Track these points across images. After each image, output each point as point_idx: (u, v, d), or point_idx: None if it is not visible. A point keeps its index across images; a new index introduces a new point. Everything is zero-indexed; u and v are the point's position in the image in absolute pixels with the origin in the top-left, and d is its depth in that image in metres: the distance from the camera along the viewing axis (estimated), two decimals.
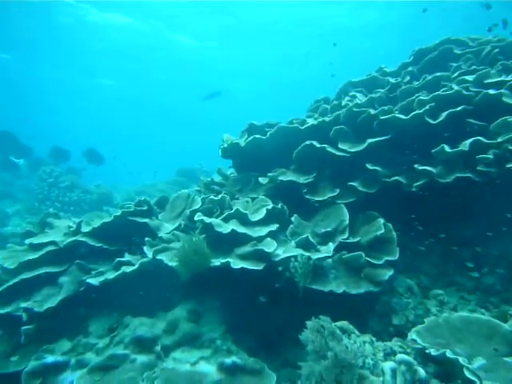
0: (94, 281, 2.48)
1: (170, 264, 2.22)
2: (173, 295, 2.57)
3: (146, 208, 2.93)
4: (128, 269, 2.41)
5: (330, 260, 2.32)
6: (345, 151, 2.61)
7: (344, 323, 1.86)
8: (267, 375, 2.04)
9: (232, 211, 2.44)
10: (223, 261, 2.13)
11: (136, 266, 2.41)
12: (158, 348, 2.21)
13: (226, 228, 2.31)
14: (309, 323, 1.68)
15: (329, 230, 2.46)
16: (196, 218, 2.46)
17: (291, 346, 2.22)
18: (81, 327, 2.64)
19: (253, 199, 2.82)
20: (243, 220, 2.43)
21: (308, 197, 2.69)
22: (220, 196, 2.70)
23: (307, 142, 2.75)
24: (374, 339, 1.82)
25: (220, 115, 32.01)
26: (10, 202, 10.43)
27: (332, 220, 2.55)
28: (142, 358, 2.17)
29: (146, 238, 2.70)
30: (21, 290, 2.81)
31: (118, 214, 2.76)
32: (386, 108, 2.71)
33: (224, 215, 2.44)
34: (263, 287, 2.30)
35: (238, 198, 3.09)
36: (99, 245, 2.75)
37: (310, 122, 2.96)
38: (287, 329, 2.26)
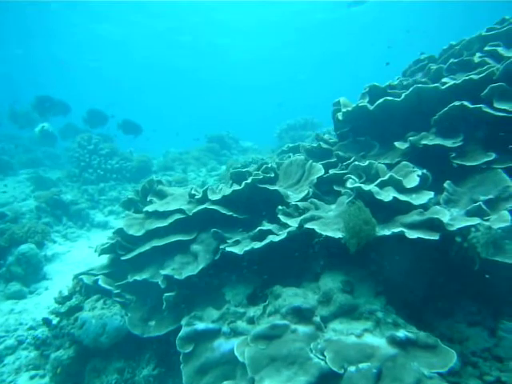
0: (236, 249, 2.41)
1: (331, 235, 2.10)
2: (314, 265, 2.48)
3: (273, 175, 2.81)
4: (275, 238, 2.31)
5: (499, 230, 2.13)
6: (505, 111, 2.36)
7: None
8: (444, 351, 1.93)
9: (386, 178, 2.28)
10: (395, 230, 1.99)
11: (284, 235, 2.31)
12: (318, 319, 2.14)
13: (387, 196, 2.15)
14: None
15: (491, 197, 2.26)
16: (350, 186, 2.31)
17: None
18: (217, 295, 2.62)
19: (389, 165, 2.65)
20: (398, 187, 2.27)
21: (457, 162, 2.48)
22: (367, 162, 2.52)
23: (456, 103, 2.50)
24: None
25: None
26: (44, 169, 10.66)
27: (490, 187, 2.34)
28: (303, 329, 2.11)
29: (280, 207, 2.60)
30: (151, 258, 2.80)
31: (248, 181, 2.66)
32: None
33: (377, 182, 2.28)
34: (430, 258, 2.16)
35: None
36: (230, 213, 2.67)
37: (449, 81, 2.70)
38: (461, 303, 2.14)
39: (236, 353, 2.08)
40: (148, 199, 3.45)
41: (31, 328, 3.69)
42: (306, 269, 2.50)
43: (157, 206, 2.95)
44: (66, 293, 2.94)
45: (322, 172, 2.87)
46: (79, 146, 9.24)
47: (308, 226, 2.28)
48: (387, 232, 2.02)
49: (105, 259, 3.19)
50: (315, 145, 3.50)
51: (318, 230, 2.22)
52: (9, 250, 5.15)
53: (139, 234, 2.86)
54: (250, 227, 2.69)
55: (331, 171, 2.93)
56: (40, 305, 4.19)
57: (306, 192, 2.72)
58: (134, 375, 2.49)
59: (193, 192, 2.90)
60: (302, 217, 2.33)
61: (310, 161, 3.05)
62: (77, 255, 5.65)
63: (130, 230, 2.92)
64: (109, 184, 8.81)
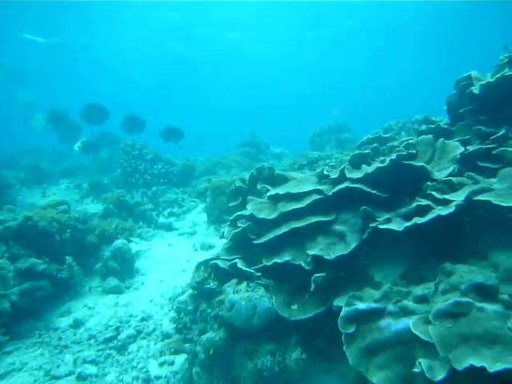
0: (393, 226, 2.30)
1: None
2: (479, 242, 2.33)
3: (415, 152, 2.69)
4: (443, 211, 2.18)
5: None
6: None
7: None
8: None
9: None
10: None
11: (452, 209, 2.18)
12: (505, 296, 1.99)
13: None
14: None
15: None
16: None
17: None
18: (364, 276, 2.51)
19: None
20: None
21: None
22: None
23: None
24: None
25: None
26: (81, 177, 10.86)
27: None
28: (491, 307, 1.96)
29: (429, 183, 2.47)
30: (286, 241, 2.74)
31: (393, 157, 2.55)
32: None
33: None
34: None
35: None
36: (374, 191, 2.56)
37: None
38: None
39: (415, 331, 1.96)
40: (258, 187, 3.41)
41: (143, 319, 3.71)
42: (468, 246, 2.35)
43: (286, 188, 2.89)
44: (197, 279, 2.91)
45: (462, 149, 2.73)
46: (123, 152, 9.37)
47: (480, 197, 2.14)
48: None
49: (226, 245, 3.16)
50: (433, 126, 3.35)
51: (494, 202, 2.07)
52: (99, 247, 5.27)
53: (271, 217, 2.81)
54: (391, 206, 2.58)
55: (471, 148, 2.78)
56: (142, 298, 4.22)
57: (451, 168, 2.58)
58: (284, 358, 2.41)
59: (325, 172, 2.82)
60: (470, 189, 2.19)
61: (442, 139, 2.91)
62: (158, 252, 5.70)
63: (261, 213, 2.87)
64: (161, 188, 8.91)
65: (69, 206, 5.90)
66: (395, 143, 3.72)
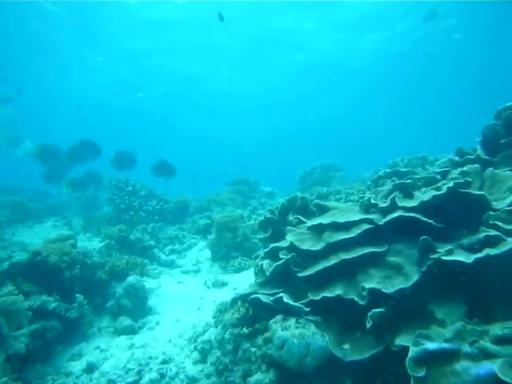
0: (461, 257, 2.16)
1: None
2: None
3: (471, 180, 2.61)
4: None
5: None
6: None
7: None
8: None
9: None
10: None
11: None
12: None
13: None
14: None
15: None
16: None
17: None
18: (423, 312, 2.33)
19: None
20: None
21: None
22: None
23: None
24: None
25: None
26: (66, 215, 10.58)
27: None
28: None
29: (492, 212, 2.36)
30: (332, 273, 2.57)
31: (450, 185, 2.46)
32: None
33: None
34: None
35: None
36: (430, 221, 2.44)
37: None
38: None
39: (505, 378, 1.76)
40: (290, 217, 3.29)
41: (164, 362, 3.40)
42: None
43: (330, 217, 2.76)
44: (236, 315, 2.69)
45: None
46: (116, 189, 9.19)
47: None
48: None
49: (260, 279, 2.97)
50: (472, 156, 3.30)
51: None
52: (109, 284, 4.98)
53: (316, 248, 2.66)
54: (448, 237, 2.45)
55: None
56: (159, 339, 3.91)
57: (511, 198, 2.49)
58: None
59: (372, 201, 2.70)
60: None
61: (491, 168, 2.85)
62: (169, 290, 5.42)
63: (304, 244, 2.72)
64: (158, 225, 8.71)
65: (76, 240, 5.65)
66: (421, 175, 3.65)
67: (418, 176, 3.64)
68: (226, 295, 4.97)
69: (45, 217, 10.69)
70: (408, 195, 2.68)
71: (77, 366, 3.50)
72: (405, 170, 5.34)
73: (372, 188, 5.68)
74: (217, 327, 3.57)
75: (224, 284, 5.50)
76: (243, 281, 5.56)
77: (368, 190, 5.31)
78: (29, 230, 9.22)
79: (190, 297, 5.10)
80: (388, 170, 5.54)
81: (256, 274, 3.50)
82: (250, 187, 12.34)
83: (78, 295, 4.32)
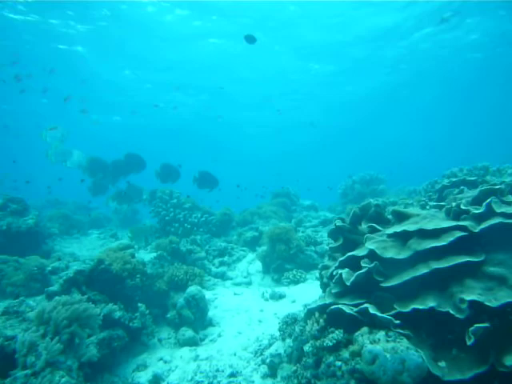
0: None
1: None
2: None
3: None
4: None
5: None
6: None
7: None
8: None
9: None
10: None
11: None
12: None
13: None
14: None
15: None
16: None
17: None
18: None
19: None
20: None
21: None
22: None
23: None
24: None
25: None
26: (110, 228, 10.88)
27: None
28: None
29: None
30: (427, 283, 2.38)
31: None
32: None
33: None
34: None
35: None
36: None
37: None
38: None
39: None
40: (363, 225, 3.14)
41: (232, 375, 3.31)
42: None
43: (417, 224, 2.58)
44: (315, 326, 2.55)
45: None
46: (161, 201, 9.29)
47: None
48: None
49: (335, 289, 2.81)
50: None
51: None
52: (168, 294, 5.00)
53: (402, 256, 2.48)
54: None
55: None
56: (223, 351, 3.83)
57: None
58: None
59: (462, 207, 2.50)
60: None
61: None
62: (226, 302, 5.35)
63: (387, 252, 2.56)
64: (205, 236, 8.71)
65: (135, 249, 5.75)
66: (507, 181, 3.39)
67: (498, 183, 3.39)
68: (285, 307, 4.85)
69: (89, 229, 11.12)
70: (502, 201, 2.47)
71: (143, 377, 3.48)
72: (473, 178, 5.05)
73: (434, 197, 5.41)
74: (283, 340, 3.45)
75: (282, 296, 5.36)
76: (301, 293, 5.41)
77: (430, 201, 5.07)
78: (77, 242, 9.58)
79: (249, 309, 5.01)
80: (454, 179, 5.25)
81: (324, 285, 3.36)
82: (291, 200, 12.20)
83: (140, 304, 4.36)
